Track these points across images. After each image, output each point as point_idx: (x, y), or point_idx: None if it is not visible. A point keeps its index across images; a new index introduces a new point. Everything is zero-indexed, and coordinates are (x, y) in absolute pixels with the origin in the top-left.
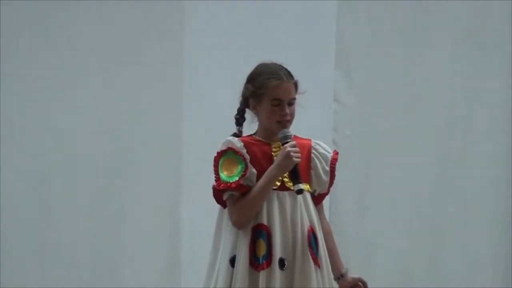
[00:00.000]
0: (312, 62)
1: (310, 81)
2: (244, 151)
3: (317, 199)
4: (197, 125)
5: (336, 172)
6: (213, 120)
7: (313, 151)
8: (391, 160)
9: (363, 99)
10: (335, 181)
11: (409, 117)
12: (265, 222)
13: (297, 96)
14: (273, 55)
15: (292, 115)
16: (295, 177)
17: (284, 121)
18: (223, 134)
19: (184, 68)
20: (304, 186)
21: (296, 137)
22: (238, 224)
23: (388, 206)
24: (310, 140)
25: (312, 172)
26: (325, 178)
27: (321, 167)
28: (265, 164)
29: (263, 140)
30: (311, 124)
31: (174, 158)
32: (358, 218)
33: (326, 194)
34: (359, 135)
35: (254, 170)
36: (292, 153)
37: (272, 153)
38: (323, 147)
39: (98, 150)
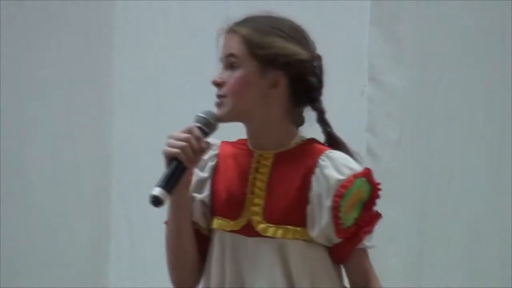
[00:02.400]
0: (331, 14)
1: (328, 47)
2: (210, 164)
3: (338, 251)
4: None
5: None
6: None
7: (317, 170)
8: (470, 185)
9: (419, 79)
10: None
11: (500, 108)
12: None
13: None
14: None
15: (230, 86)
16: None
17: (217, 97)
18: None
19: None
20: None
21: (309, 142)
22: (172, 283)
23: (460, 266)
24: (323, 149)
25: (309, 208)
26: (323, 220)
27: (319, 201)
28: (233, 187)
29: (249, 146)
30: (330, 120)
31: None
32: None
33: (354, 244)
34: (414, 140)
35: (195, 195)
36: (169, 140)
37: (250, 168)
38: (335, 164)
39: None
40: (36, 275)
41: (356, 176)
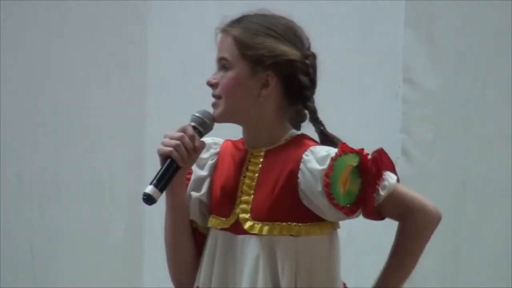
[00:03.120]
0: (365, 15)
1: (363, 48)
2: (210, 163)
3: (368, 216)
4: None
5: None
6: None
7: (301, 165)
8: (506, 186)
9: (454, 79)
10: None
11: None
12: (201, 285)
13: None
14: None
15: (223, 87)
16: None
17: (212, 97)
18: None
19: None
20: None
21: (298, 138)
22: (172, 282)
23: (495, 266)
24: (309, 145)
25: (306, 202)
26: (327, 210)
27: (312, 194)
28: (227, 185)
29: (244, 144)
30: (365, 121)
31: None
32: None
33: (372, 203)
34: (449, 141)
35: (192, 193)
36: (164, 139)
37: (243, 166)
38: (317, 157)
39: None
40: (71, 274)
41: (333, 159)
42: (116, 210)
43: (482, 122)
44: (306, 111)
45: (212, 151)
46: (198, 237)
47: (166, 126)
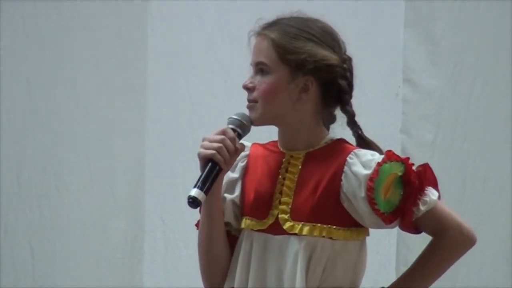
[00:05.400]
0: (366, 16)
1: (363, 48)
2: (241, 165)
3: (403, 228)
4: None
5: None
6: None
7: (345, 168)
8: (505, 187)
9: (454, 80)
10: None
11: None
12: (237, 285)
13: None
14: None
15: (261, 92)
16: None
17: (248, 101)
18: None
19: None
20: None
21: (338, 142)
22: (204, 286)
23: (495, 267)
24: (351, 148)
25: (347, 205)
26: (367, 214)
27: (354, 197)
28: (262, 187)
29: (280, 148)
30: (365, 121)
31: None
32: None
33: (409, 217)
34: (449, 141)
35: (226, 195)
36: (203, 142)
37: (280, 169)
38: (362, 161)
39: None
40: (71, 275)
41: (379, 164)
42: (116, 210)
43: (482, 122)
44: (336, 113)
45: (242, 153)
46: (231, 239)
47: (166, 126)
